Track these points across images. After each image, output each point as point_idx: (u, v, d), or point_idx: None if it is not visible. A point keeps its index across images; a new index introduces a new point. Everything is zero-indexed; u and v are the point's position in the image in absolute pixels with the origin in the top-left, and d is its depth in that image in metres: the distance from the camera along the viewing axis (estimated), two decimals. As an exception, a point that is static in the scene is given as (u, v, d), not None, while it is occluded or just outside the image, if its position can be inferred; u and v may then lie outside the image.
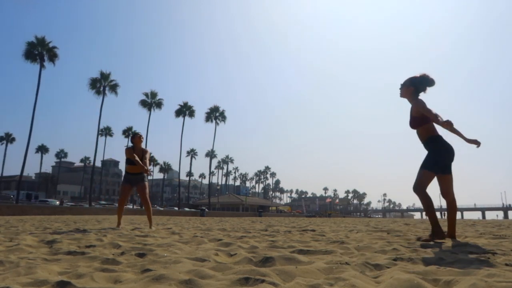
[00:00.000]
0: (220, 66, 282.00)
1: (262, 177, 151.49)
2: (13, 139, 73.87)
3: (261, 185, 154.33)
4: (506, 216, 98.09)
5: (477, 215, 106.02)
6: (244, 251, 2.73)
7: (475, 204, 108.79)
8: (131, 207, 46.32)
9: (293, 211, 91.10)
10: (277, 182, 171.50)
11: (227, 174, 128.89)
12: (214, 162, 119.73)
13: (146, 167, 6.29)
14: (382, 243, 3.30)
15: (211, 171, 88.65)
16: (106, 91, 44.51)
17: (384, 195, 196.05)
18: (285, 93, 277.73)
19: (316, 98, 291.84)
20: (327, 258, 2.32)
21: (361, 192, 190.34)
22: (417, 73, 3.70)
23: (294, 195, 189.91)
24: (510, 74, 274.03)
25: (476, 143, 3.42)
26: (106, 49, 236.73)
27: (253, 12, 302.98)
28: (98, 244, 3.21)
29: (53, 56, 36.30)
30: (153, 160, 77.77)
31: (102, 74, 44.54)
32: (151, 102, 51.86)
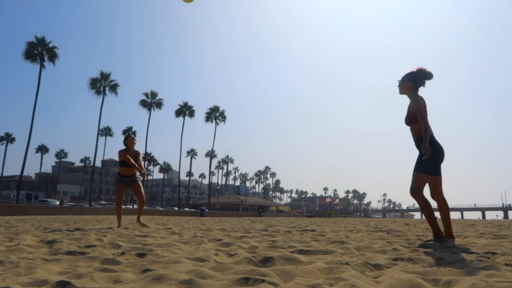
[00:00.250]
0: (220, 66, 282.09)
1: (262, 177, 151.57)
2: (13, 139, 73.86)
3: (261, 185, 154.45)
4: (506, 216, 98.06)
5: (477, 215, 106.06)
6: (244, 251, 2.73)
7: (475, 204, 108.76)
8: (131, 207, 46.33)
9: (293, 211, 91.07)
10: (277, 182, 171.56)
11: (227, 174, 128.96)
12: (214, 162, 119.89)
13: (142, 170, 6.40)
14: (382, 243, 3.30)
15: (211, 171, 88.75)
16: (106, 91, 44.57)
17: (384, 195, 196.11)
18: (285, 93, 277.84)
19: (316, 98, 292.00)
20: (327, 258, 2.32)
21: (361, 192, 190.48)
22: (414, 68, 3.65)
23: (294, 195, 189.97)
24: (510, 74, 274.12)
25: (426, 150, 3.37)
26: (106, 49, 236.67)
27: (253, 12, 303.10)
28: (98, 244, 3.21)
29: (53, 56, 36.30)
30: (153, 160, 77.84)
31: (102, 74, 44.56)
32: (151, 102, 51.88)
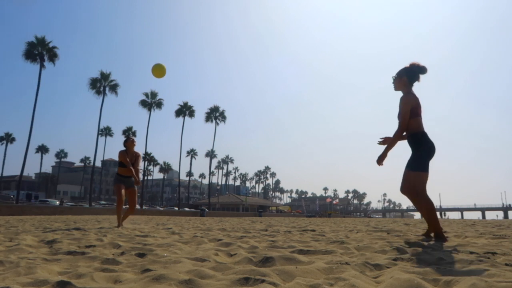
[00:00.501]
0: (220, 66, 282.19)
1: (262, 177, 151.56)
2: (13, 139, 73.85)
3: (261, 185, 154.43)
4: (506, 216, 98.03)
5: (477, 215, 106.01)
6: (244, 251, 2.73)
7: (475, 204, 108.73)
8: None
9: (293, 211, 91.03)
10: (277, 182, 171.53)
11: (227, 174, 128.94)
12: (214, 162, 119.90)
13: (137, 179, 6.57)
14: (382, 243, 3.30)
15: (211, 171, 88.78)
16: (106, 91, 44.56)
17: (384, 195, 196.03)
18: (285, 93, 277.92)
19: (316, 98, 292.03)
20: (327, 258, 2.32)
21: (361, 192, 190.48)
22: (407, 64, 3.61)
23: (294, 195, 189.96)
24: (511, 75, 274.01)
25: (379, 158, 3.48)
26: (106, 49, 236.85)
27: (252, 13, 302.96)
28: (98, 244, 3.21)
29: (53, 56, 36.30)
30: (153, 160, 77.80)
31: (102, 74, 44.55)
32: (151, 102, 51.86)
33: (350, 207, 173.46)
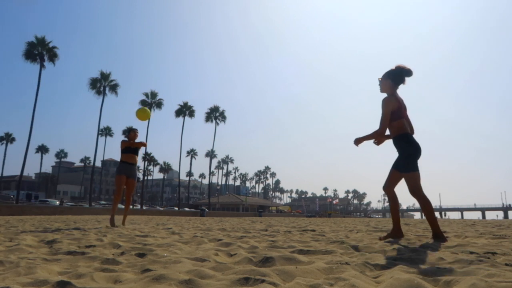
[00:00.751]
0: (220, 66, 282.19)
1: (262, 177, 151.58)
2: (13, 139, 73.86)
3: (261, 185, 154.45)
4: (506, 216, 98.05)
5: (477, 215, 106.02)
6: (244, 251, 2.73)
7: (475, 204, 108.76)
8: (131, 207, 46.29)
9: (293, 211, 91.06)
10: (277, 182, 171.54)
11: (227, 174, 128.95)
12: (214, 162, 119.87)
13: (142, 142, 6.83)
14: (382, 243, 3.30)
15: (211, 171, 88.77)
16: (106, 91, 44.57)
17: (384, 195, 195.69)
18: (285, 93, 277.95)
19: (316, 98, 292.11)
20: (327, 258, 2.32)
21: (361, 192, 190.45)
22: (393, 66, 3.64)
23: (294, 195, 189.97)
24: (511, 75, 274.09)
25: (356, 141, 3.67)
26: (106, 49, 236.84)
27: (252, 13, 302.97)
28: (98, 244, 3.21)
29: (53, 56, 36.31)
30: (153, 160, 77.85)
31: (102, 74, 44.57)
32: (151, 102, 51.87)
33: (350, 207, 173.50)
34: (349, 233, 5.06)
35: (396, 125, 3.51)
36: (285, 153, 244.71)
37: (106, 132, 66.47)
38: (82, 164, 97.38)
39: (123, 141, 6.83)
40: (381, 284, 1.56)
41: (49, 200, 48.53)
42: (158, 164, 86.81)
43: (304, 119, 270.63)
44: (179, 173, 55.13)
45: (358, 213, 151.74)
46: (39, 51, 35.51)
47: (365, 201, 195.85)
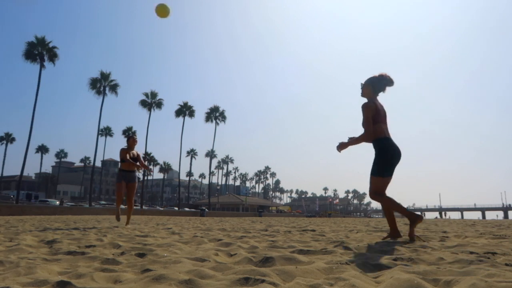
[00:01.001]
0: (220, 66, 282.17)
1: (262, 177, 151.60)
2: (13, 139, 73.86)
3: (261, 185, 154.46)
4: (506, 216, 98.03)
5: (477, 215, 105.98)
6: (244, 251, 2.73)
7: (475, 204, 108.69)
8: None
9: (293, 211, 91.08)
10: (277, 182, 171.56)
11: (227, 174, 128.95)
12: (214, 162, 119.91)
13: (148, 168, 7.04)
14: (382, 243, 3.30)
15: (211, 171, 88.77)
16: (106, 91, 44.56)
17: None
18: (285, 93, 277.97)
19: (316, 98, 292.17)
20: (327, 258, 2.32)
21: (361, 192, 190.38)
22: (377, 73, 3.76)
23: (294, 195, 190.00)
24: (511, 75, 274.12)
25: (340, 146, 3.71)
26: (106, 49, 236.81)
27: (252, 13, 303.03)
28: (98, 244, 3.21)
29: (53, 56, 36.30)
30: (153, 160, 77.89)
31: (102, 74, 44.56)
32: (151, 102, 51.85)
33: (350, 207, 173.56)
34: (349, 233, 5.06)
35: (374, 129, 3.63)
36: (285, 153, 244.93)
37: (106, 132, 66.45)
38: (82, 164, 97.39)
39: (121, 150, 6.95)
40: (381, 284, 1.56)
41: (49, 200, 48.54)
42: (158, 164, 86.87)
43: (304, 119, 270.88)
44: (179, 173, 55.14)
45: (358, 213, 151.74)
46: (39, 51, 35.50)
47: (365, 201, 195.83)
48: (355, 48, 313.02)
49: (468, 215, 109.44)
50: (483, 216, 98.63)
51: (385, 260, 2.20)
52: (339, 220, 18.37)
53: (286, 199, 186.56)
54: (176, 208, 52.21)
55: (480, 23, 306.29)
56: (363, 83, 3.77)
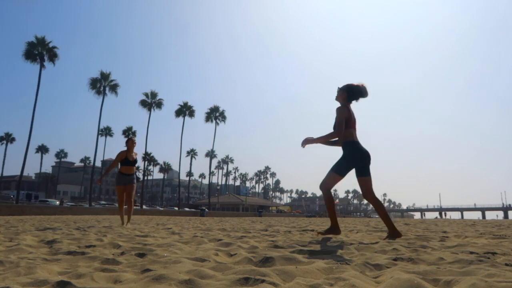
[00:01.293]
0: (220, 66, 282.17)
1: (262, 177, 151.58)
2: (13, 139, 73.85)
3: (261, 185, 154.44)
4: (506, 216, 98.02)
5: (477, 215, 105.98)
6: (244, 251, 2.73)
7: (475, 204, 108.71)
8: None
9: (293, 211, 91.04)
10: (277, 182, 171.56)
11: (227, 174, 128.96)
12: (214, 162, 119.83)
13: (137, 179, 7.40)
14: (382, 243, 3.30)
15: (211, 171, 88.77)
16: (106, 91, 44.57)
17: (384, 195, 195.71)
18: (285, 93, 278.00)
19: (316, 98, 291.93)
20: (327, 258, 2.32)
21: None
22: (356, 81, 3.96)
23: (294, 195, 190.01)
24: (511, 75, 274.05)
25: (304, 141, 3.95)
26: (106, 49, 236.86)
27: (252, 13, 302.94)
28: (98, 244, 3.21)
29: (53, 56, 36.31)
30: (153, 160, 77.75)
31: (102, 74, 44.57)
32: (151, 102, 51.85)
33: (350, 207, 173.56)
34: (349, 233, 5.06)
35: (345, 133, 3.85)
36: (285, 153, 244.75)
37: (106, 132, 66.43)
38: (82, 164, 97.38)
39: (118, 154, 7.18)
40: (381, 284, 1.56)
41: (49, 200, 48.55)
42: (158, 164, 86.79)
43: (304, 119, 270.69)
44: (179, 173, 55.12)
45: (358, 213, 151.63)
46: (39, 51, 35.50)
47: (365, 201, 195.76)
48: (355, 48, 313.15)
49: (468, 215, 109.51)
50: (483, 216, 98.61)
51: (385, 260, 2.20)
52: (339, 220, 18.36)
53: (286, 199, 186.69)
54: (176, 208, 52.20)
55: (480, 23, 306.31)
56: (340, 87, 3.95)
